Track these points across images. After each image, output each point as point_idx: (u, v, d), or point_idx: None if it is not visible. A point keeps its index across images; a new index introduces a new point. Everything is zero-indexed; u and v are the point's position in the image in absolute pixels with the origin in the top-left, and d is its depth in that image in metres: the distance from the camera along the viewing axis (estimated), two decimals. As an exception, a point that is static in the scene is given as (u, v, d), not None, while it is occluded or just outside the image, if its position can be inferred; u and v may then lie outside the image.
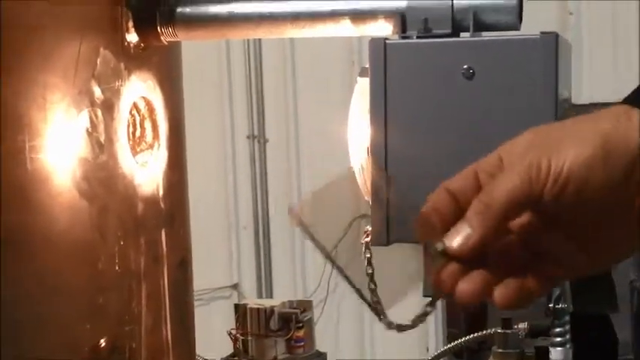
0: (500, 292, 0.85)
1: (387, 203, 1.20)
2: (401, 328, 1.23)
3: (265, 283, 5.52)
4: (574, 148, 0.82)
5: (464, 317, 4.77)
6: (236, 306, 2.57)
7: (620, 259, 0.89)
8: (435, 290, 0.89)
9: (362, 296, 1.21)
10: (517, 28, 1.21)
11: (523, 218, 0.87)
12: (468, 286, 0.84)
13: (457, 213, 0.86)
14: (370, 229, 1.23)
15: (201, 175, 4.00)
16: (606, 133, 0.82)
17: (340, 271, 1.21)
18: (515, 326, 2.41)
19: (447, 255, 0.86)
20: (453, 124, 1.17)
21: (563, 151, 0.82)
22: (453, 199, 0.87)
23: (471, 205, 0.85)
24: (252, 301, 2.62)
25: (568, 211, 0.84)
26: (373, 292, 1.24)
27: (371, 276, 1.24)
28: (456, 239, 0.85)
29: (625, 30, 4.83)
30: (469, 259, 0.85)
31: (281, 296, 3.66)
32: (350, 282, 1.21)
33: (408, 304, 1.34)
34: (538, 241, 0.87)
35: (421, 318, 1.13)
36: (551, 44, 1.13)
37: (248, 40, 5.22)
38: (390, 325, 1.22)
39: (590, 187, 0.82)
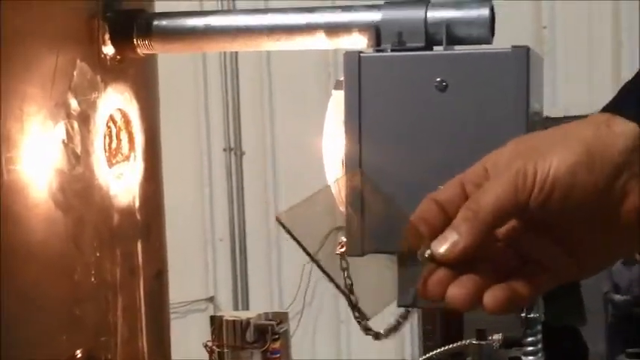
0: (490, 297, 0.85)
1: (362, 214, 1.21)
2: (378, 336, 1.24)
3: (241, 295, 5.52)
4: (558, 155, 0.83)
5: (440, 329, 4.79)
6: (212, 318, 2.57)
7: (607, 263, 0.90)
8: (422, 297, 0.89)
9: (349, 300, 1.22)
10: (489, 42, 1.23)
11: (510, 224, 0.88)
12: (458, 290, 0.85)
13: (445, 223, 0.87)
14: (345, 239, 1.24)
15: (178, 187, 3.99)
16: (588, 142, 0.84)
17: (326, 274, 1.22)
18: (490, 337, 2.42)
19: (435, 261, 0.86)
20: (427, 136, 1.18)
21: (548, 158, 0.83)
22: (440, 209, 0.88)
23: (459, 212, 0.86)
24: (228, 313, 2.63)
25: (554, 216, 0.85)
26: (354, 307, 1.24)
27: (350, 287, 1.25)
28: (444, 245, 0.86)
29: (599, 43, 4.87)
30: (457, 265, 0.86)
31: (257, 309, 3.66)
32: (336, 285, 1.22)
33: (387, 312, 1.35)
34: (525, 247, 0.89)
35: (395, 328, 1.14)
36: (523, 57, 1.15)
37: (224, 52, 5.23)
38: (367, 332, 1.23)
39: (576, 192, 0.83)
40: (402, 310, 1.27)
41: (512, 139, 0.88)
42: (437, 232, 0.87)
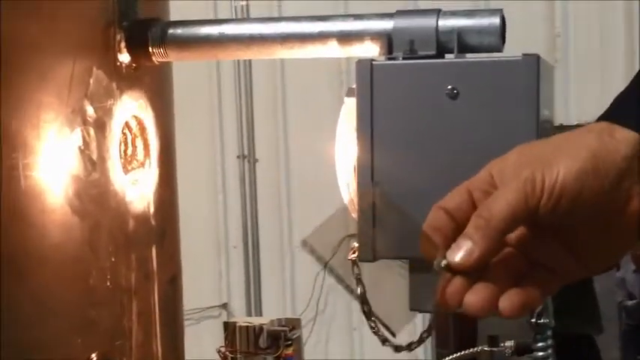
0: (506, 302, 0.88)
1: (374, 219, 1.23)
2: (398, 349, 1.25)
3: (254, 303, 5.53)
4: (564, 162, 0.86)
5: (453, 336, 4.79)
6: (225, 324, 2.58)
7: (611, 262, 0.93)
8: (441, 307, 0.91)
9: (374, 317, 1.23)
10: (500, 50, 1.24)
11: (519, 230, 0.90)
12: (475, 298, 0.87)
13: (455, 230, 0.89)
14: (357, 245, 1.26)
15: (191, 194, 4.01)
16: (593, 148, 0.87)
17: (357, 294, 1.24)
18: (502, 344, 2.43)
19: (451, 270, 0.88)
20: (438, 143, 1.19)
21: (555, 166, 0.86)
22: (450, 217, 0.90)
23: (470, 221, 0.88)
24: (242, 319, 2.64)
25: (561, 221, 0.88)
26: (367, 313, 1.26)
27: (363, 295, 1.26)
28: (459, 254, 0.87)
29: (612, 51, 4.87)
30: (472, 273, 0.87)
31: (270, 316, 3.67)
32: (365, 304, 1.23)
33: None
34: (533, 251, 0.91)
35: (420, 342, 1.15)
36: (533, 65, 1.16)
37: (238, 60, 5.25)
38: (384, 343, 1.24)
39: (583, 197, 0.86)
40: (425, 323, 1.27)
41: (516, 148, 0.92)
42: (449, 240, 0.89)
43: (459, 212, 0.90)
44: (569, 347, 2.77)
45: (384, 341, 1.22)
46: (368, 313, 1.23)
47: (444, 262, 0.88)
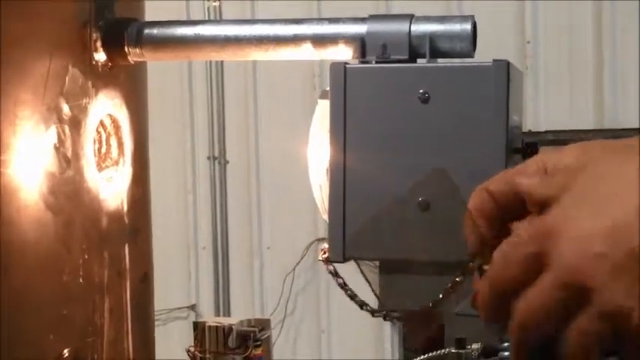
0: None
1: (344, 220, 1.24)
2: (375, 313, 1.27)
3: (223, 304, 5.53)
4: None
5: (421, 339, 4.81)
6: (195, 324, 2.59)
7: None
8: (473, 306, 0.86)
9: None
10: (471, 56, 1.27)
11: None
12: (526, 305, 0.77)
13: (497, 216, 0.82)
14: (327, 246, 1.27)
15: (161, 194, 4.01)
16: None
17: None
18: (469, 346, 2.45)
19: None
20: (409, 145, 1.21)
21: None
22: (493, 200, 0.82)
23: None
24: (211, 319, 2.64)
25: None
26: (352, 297, 1.28)
27: (342, 285, 1.28)
28: None
29: (581, 58, 4.92)
30: None
31: (239, 318, 3.68)
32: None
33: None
34: None
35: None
36: (503, 71, 1.18)
37: (210, 61, 5.26)
38: (362, 307, 1.26)
39: None
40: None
41: (576, 144, 0.80)
42: (492, 224, 0.83)
43: (502, 198, 0.82)
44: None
45: (362, 305, 1.24)
46: (350, 295, 1.25)
47: (486, 267, 0.81)
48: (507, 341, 1.30)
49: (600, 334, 0.69)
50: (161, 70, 4.63)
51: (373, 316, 1.22)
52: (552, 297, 0.71)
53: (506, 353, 1.26)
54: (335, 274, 1.24)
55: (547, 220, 0.74)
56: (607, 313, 0.69)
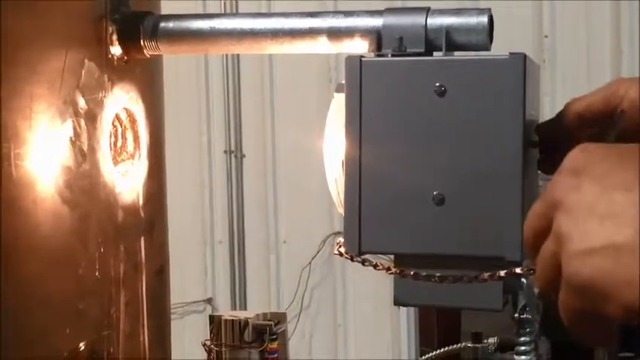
0: None
1: (360, 215, 1.24)
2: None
3: (239, 298, 5.54)
4: None
5: (437, 333, 4.82)
6: (211, 317, 2.59)
7: None
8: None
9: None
10: (488, 49, 1.26)
11: None
12: None
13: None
14: (342, 240, 1.27)
15: (178, 188, 4.03)
16: None
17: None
18: (485, 341, 2.45)
19: None
20: (426, 139, 1.21)
21: None
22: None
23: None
24: (227, 312, 2.65)
25: None
26: (375, 265, 1.28)
27: (363, 262, 1.28)
28: None
29: (599, 52, 4.90)
30: None
31: (255, 312, 3.68)
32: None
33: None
34: None
35: None
36: (519, 64, 1.18)
37: (226, 55, 5.26)
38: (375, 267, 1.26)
39: None
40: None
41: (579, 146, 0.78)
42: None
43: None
44: (566, 357, 2.79)
45: (375, 266, 1.25)
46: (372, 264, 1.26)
47: None
48: (522, 334, 1.30)
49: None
50: (177, 64, 4.63)
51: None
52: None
53: (523, 348, 1.25)
54: (352, 258, 1.24)
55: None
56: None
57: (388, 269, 1.25)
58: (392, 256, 1.28)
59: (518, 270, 1.17)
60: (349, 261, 1.27)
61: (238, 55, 5.23)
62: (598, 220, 0.69)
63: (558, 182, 0.75)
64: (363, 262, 1.27)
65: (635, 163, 0.70)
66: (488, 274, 1.19)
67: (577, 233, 0.70)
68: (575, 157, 0.75)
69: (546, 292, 0.76)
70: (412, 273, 1.23)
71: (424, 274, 1.22)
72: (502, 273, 1.19)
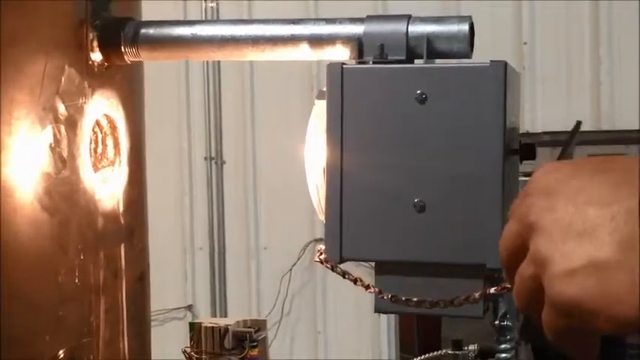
0: None
1: (341, 222, 1.24)
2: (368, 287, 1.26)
3: (220, 305, 5.53)
4: None
5: (417, 342, 4.82)
6: (191, 324, 2.59)
7: None
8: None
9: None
10: (469, 56, 1.26)
11: None
12: None
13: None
14: (323, 248, 1.27)
15: (158, 195, 4.01)
16: None
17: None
18: (465, 348, 2.45)
19: None
20: (407, 146, 1.21)
21: None
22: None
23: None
24: (207, 319, 2.64)
25: None
26: (355, 281, 1.28)
27: (343, 274, 1.28)
28: None
29: (578, 59, 4.93)
30: None
31: (235, 318, 3.67)
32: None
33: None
34: None
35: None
36: (500, 72, 1.18)
37: (207, 62, 5.25)
38: (355, 282, 1.26)
39: None
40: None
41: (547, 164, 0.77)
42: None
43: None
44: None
45: (355, 281, 1.24)
46: (352, 279, 1.25)
47: None
48: (503, 342, 1.30)
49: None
50: (158, 70, 4.62)
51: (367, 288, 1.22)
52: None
53: (503, 355, 1.25)
54: (334, 268, 1.24)
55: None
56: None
57: (367, 287, 1.25)
58: (373, 263, 1.28)
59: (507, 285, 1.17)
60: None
61: (219, 62, 5.23)
62: (576, 239, 0.70)
63: (531, 204, 0.74)
64: (343, 275, 1.26)
65: (606, 178, 0.70)
66: (464, 297, 1.19)
67: (557, 254, 0.70)
68: (546, 177, 0.75)
69: (526, 312, 0.76)
70: (390, 296, 1.22)
71: (403, 298, 1.22)
72: (492, 290, 1.19)
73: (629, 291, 0.66)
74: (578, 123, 1.10)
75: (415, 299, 1.21)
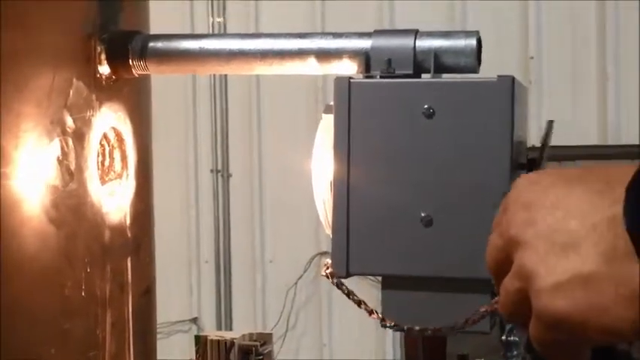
0: None
1: (348, 236, 1.24)
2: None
3: (225, 317, 5.52)
4: None
5: (423, 355, 4.79)
6: (197, 337, 2.58)
7: None
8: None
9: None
10: (476, 71, 1.26)
11: None
12: None
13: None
14: (330, 262, 1.27)
15: (164, 207, 4.02)
16: None
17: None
18: (472, 362, 2.45)
19: None
20: (414, 161, 1.21)
21: None
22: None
23: None
24: (213, 332, 2.64)
25: None
26: (359, 303, 1.28)
27: (348, 294, 1.28)
28: None
29: (584, 73, 4.93)
30: None
31: (240, 331, 3.66)
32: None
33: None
34: None
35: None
36: (508, 87, 1.18)
37: (214, 75, 5.26)
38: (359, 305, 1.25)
39: None
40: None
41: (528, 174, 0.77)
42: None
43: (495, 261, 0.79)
44: None
45: (359, 304, 1.24)
46: (356, 301, 1.25)
47: None
48: (509, 357, 1.30)
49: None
50: (165, 83, 4.63)
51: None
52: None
53: (510, 369, 1.25)
54: (339, 286, 1.23)
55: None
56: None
57: (371, 312, 1.25)
58: (380, 278, 1.28)
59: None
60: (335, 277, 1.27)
61: (226, 75, 5.23)
62: (560, 252, 0.69)
63: (511, 217, 0.74)
64: (348, 295, 1.26)
65: (586, 187, 0.70)
66: (463, 321, 1.19)
67: (542, 268, 0.70)
68: (524, 190, 0.74)
69: (512, 323, 0.76)
70: (393, 324, 1.22)
71: (405, 328, 1.21)
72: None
73: (616, 300, 0.66)
74: (550, 122, 1.10)
75: (418, 328, 1.21)
